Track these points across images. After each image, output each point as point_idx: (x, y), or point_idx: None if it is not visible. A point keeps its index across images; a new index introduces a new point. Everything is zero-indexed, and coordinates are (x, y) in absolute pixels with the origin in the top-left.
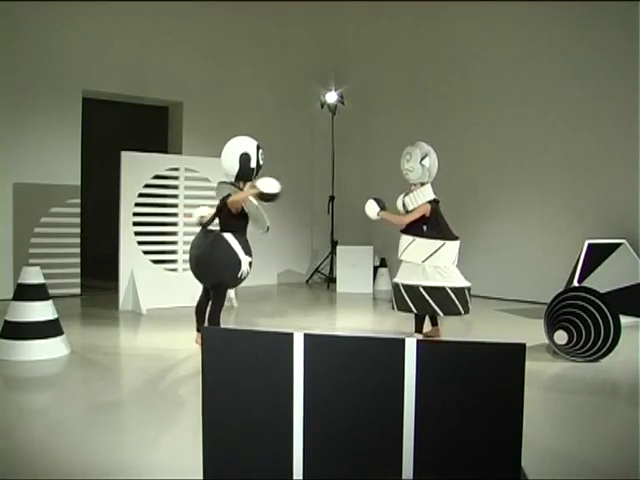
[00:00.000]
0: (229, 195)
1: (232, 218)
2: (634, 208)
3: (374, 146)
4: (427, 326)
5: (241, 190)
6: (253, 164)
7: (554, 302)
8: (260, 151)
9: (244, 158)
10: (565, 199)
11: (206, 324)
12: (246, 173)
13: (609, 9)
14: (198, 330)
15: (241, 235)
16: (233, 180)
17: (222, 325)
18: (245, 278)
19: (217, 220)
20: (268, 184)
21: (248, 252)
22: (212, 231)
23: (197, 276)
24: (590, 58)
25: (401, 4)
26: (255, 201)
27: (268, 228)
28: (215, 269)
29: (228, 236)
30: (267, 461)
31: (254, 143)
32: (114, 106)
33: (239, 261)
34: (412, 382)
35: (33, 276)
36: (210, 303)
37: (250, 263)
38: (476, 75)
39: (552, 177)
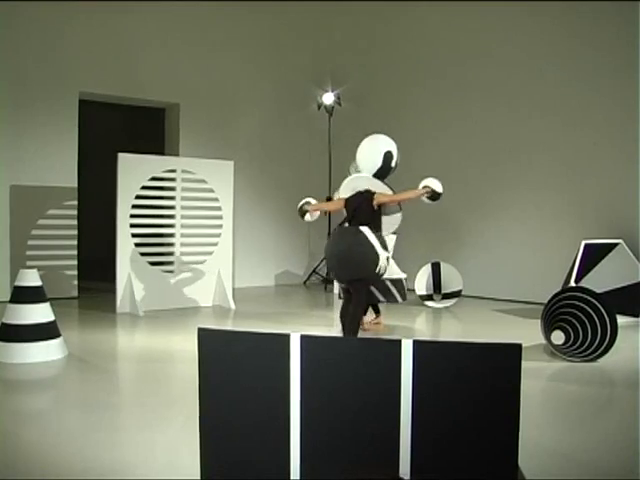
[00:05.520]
0: (368, 190)
1: (372, 213)
2: (631, 208)
3: None
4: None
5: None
6: (394, 163)
7: (551, 302)
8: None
9: (388, 156)
10: (562, 199)
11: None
12: (386, 172)
13: (608, 9)
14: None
15: (376, 230)
16: (371, 175)
17: (220, 327)
18: (383, 274)
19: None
20: (438, 184)
21: (385, 247)
22: (351, 226)
23: (337, 273)
24: (588, 57)
25: (398, 4)
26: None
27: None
28: (355, 264)
29: (366, 230)
30: (264, 462)
31: (394, 144)
32: (111, 108)
33: (377, 256)
34: (408, 383)
35: (30, 278)
36: (354, 295)
37: (387, 258)
38: (474, 75)
39: (549, 177)
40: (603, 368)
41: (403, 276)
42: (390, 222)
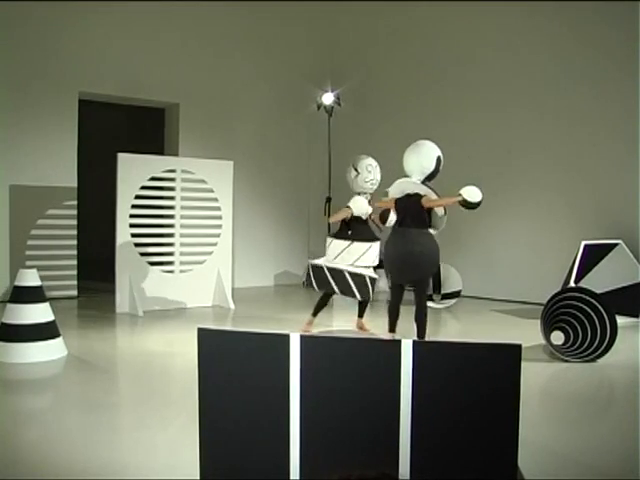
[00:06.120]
0: (417, 194)
1: (422, 214)
2: (631, 208)
3: (371, 147)
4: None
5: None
6: (441, 167)
7: (550, 303)
8: None
9: (439, 161)
10: (562, 200)
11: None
12: (435, 174)
13: (608, 9)
14: (393, 331)
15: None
16: (422, 178)
17: (219, 327)
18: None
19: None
20: (472, 193)
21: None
22: (412, 228)
23: (404, 273)
24: (588, 58)
25: (398, 4)
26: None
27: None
28: (426, 263)
29: (428, 232)
30: (264, 461)
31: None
32: (110, 108)
33: (439, 257)
34: (408, 383)
35: (30, 278)
36: (417, 298)
37: None
38: (473, 75)
39: (549, 178)
40: (603, 368)
41: (368, 274)
42: (435, 225)
